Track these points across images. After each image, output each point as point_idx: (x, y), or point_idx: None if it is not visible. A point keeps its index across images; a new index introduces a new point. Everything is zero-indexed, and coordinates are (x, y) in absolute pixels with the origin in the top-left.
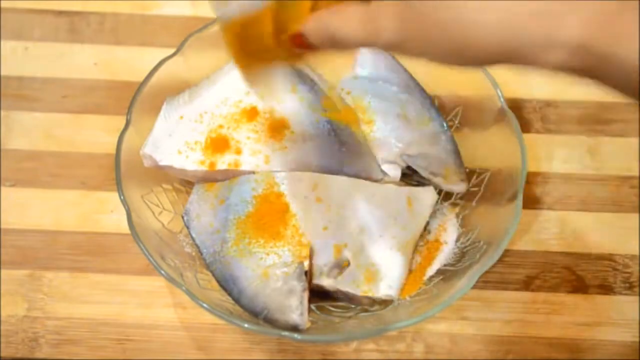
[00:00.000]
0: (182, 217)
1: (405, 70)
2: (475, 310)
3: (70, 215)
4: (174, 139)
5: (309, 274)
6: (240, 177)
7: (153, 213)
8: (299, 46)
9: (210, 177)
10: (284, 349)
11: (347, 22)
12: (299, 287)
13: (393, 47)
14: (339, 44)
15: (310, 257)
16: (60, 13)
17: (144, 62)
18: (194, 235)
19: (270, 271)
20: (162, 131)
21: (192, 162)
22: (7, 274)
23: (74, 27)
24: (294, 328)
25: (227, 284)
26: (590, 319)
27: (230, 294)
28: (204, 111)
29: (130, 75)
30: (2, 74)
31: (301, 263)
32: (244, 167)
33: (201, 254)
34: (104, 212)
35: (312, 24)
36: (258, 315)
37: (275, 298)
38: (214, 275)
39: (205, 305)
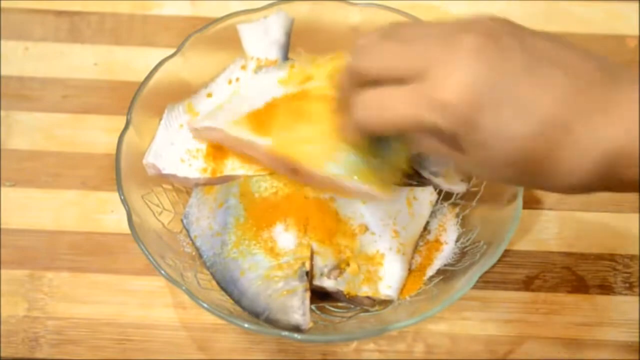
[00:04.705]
0: (182, 221)
1: None
2: (475, 310)
3: (70, 215)
4: (175, 148)
5: (309, 275)
6: (239, 180)
7: (153, 213)
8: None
9: (212, 182)
10: (284, 349)
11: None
12: (301, 288)
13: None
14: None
15: (311, 257)
16: (60, 13)
17: (144, 62)
18: (193, 238)
19: (272, 272)
20: (163, 140)
21: (194, 170)
22: (7, 274)
23: (74, 27)
24: (296, 328)
25: (227, 286)
26: (590, 319)
27: (231, 296)
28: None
29: (130, 75)
30: (2, 74)
31: (302, 264)
32: (245, 171)
33: (201, 256)
34: (104, 212)
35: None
36: (259, 316)
37: (276, 299)
38: (214, 277)
39: (205, 305)
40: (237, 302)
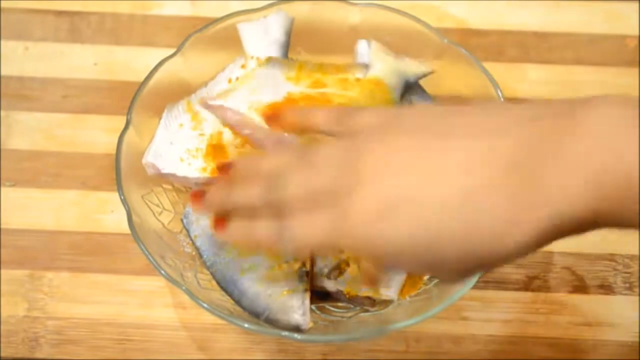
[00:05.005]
0: (182, 220)
1: None
2: (475, 310)
3: (70, 215)
4: (175, 147)
5: (309, 275)
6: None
7: (153, 213)
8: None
9: (212, 182)
10: (284, 349)
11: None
12: (301, 288)
13: None
14: None
15: (311, 257)
16: (60, 13)
17: (144, 62)
18: (193, 238)
19: (272, 272)
20: (163, 140)
21: (194, 169)
22: (7, 274)
23: (74, 27)
24: (297, 328)
25: (227, 286)
26: (590, 319)
27: (231, 296)
28: (203, 118)
29: (130, 75)
30: (2, 74)
31: (302, 264)
32: None
33: (201, 256)
34: (104, 212)
35: None
36: (259, 316)
37: (276, 299)
38: (214, 277)
39: (205, 305)
40: (237, 302)
